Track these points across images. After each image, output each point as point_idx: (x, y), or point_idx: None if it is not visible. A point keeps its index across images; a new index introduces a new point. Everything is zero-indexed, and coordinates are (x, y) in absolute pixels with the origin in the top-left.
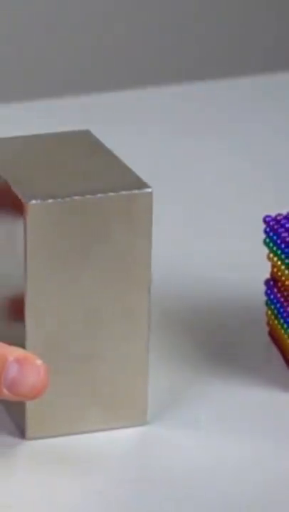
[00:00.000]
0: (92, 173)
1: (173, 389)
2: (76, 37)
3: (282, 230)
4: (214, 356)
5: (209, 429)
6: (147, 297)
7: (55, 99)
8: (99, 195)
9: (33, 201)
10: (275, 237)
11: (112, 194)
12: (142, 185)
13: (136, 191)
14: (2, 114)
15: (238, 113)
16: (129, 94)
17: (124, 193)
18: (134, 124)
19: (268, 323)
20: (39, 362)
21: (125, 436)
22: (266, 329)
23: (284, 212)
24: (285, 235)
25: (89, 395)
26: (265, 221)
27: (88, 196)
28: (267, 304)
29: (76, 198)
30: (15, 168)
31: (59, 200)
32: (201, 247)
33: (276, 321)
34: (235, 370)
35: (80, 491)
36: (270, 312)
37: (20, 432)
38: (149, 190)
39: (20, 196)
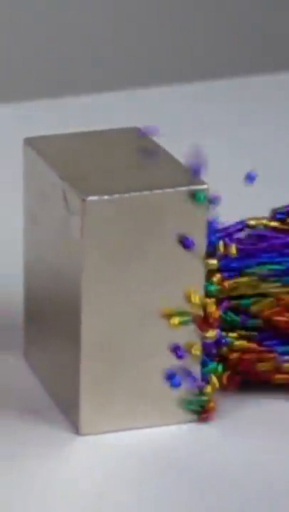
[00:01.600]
0: (146, 169)
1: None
2: (76, 37)
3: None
4: None
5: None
6: (202, 294)
7: (55, 99)
8: (155, 191)
9: (90, 197)
10: None
11: (168, 190)
12: (197, 181)
13: (192, 187)
14: (2, 114)
15: (238, 113)
16: (129, 94)
17: (180, 189)
18: (134, 124)
19: None
20: None
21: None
22: None
23: None
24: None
25: (142, 392)
26: None
27: (144, 192)
28: None
29: (132, 194)
30: (68, 165)
31: (115, 196)
32: None
33: None
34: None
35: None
36: None
37: (74, 428)
38: (205, 186)
39: (76, 193)
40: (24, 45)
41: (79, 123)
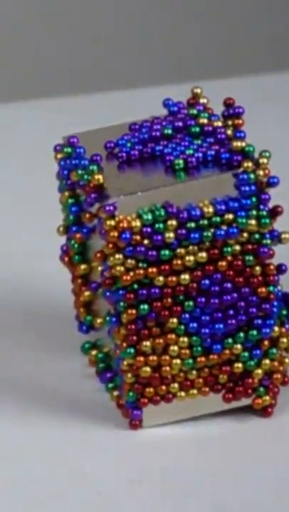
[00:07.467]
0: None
1: None
2: (76, 37)
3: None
4: None
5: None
6: None
7: (55, 99)
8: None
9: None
10: None
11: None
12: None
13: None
14: (2, 114)
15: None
16: (130, 94)
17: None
18: None
19: None
20: None
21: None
22: None
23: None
24: None
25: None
26: None
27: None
28: None
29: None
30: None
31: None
32: None
33: None
34: None
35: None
36: None
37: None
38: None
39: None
40: (23, 45)
41: (79, 123)
